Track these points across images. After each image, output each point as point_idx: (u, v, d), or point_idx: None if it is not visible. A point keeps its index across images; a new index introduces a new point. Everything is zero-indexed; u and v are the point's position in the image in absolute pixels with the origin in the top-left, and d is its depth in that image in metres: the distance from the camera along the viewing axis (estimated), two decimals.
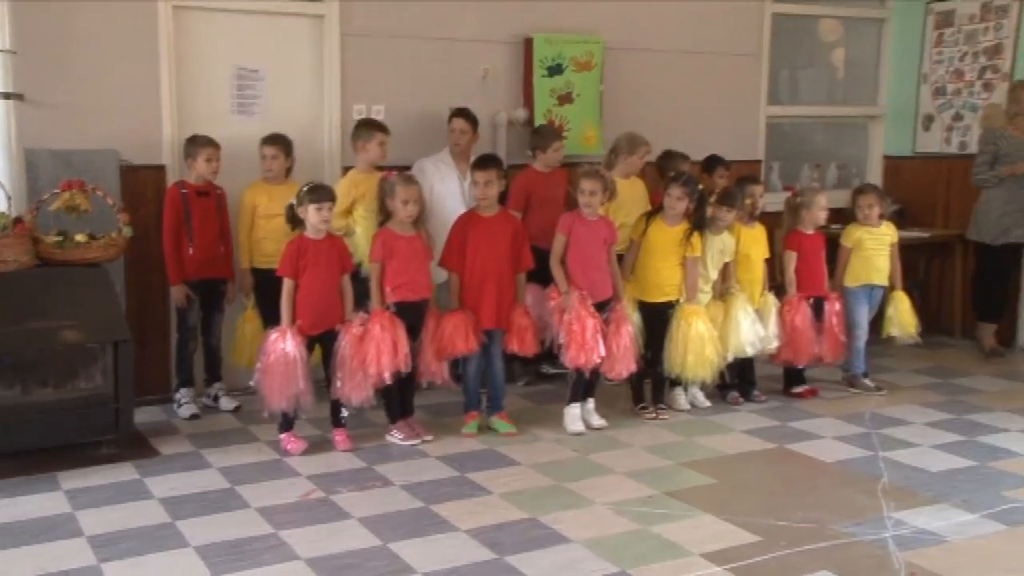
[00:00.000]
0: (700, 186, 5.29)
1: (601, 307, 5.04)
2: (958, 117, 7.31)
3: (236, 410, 5.40)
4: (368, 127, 5.48)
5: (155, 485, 4.32)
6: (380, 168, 5.31)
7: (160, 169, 5.46)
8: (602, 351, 4.92)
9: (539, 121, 6.24)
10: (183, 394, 5.34)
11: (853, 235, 5.90)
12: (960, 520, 3.96)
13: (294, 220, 4.76)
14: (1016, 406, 5.58)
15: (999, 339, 6.88)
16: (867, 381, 5.93)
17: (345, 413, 4.87)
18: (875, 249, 5.87)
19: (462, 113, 5.80)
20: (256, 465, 4.60)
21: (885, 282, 5.91)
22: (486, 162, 5.05)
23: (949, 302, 7.32)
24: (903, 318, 5.90)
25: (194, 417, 5.26)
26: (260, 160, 5.36)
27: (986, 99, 7.12)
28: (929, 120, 7.54)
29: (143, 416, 5.19)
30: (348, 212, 5.28)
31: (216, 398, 5.46)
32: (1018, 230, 6.61)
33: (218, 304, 5.39)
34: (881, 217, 5.92)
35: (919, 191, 7.54)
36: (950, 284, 7.35)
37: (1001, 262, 6.74)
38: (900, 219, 7.22)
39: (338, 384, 4.69)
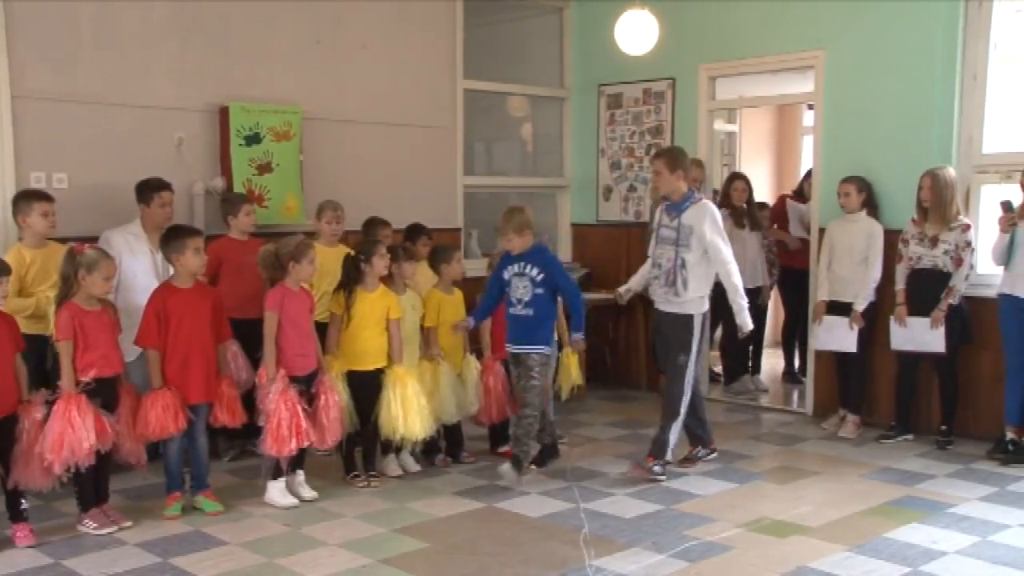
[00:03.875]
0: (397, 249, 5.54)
1: (309, 377, 5.03)
2: (632, 188, 8.03)
3: None
4: (26, 198, 5.12)
5: None
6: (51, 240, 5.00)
7: None
8: (304, 441, 4.87)
9: (238, 190, 6.14)
10: None
11: None
12: (650, 561, 4.28)
13: None
14: None
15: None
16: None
17: (25, 504, 4.46)
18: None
19: (168, 186, 5.58)
20: None
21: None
22: (198, 231, 4.97)
23: (635, 358, 7.94)
24: (568, 372, 6.11)
25: None
26: None
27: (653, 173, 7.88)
28: (608, 191, 8.22)
29: None
30: (23, 291, 4.93)
31: None
32: None
33: None
34: None
35: (603, 256, 8.16)
36: (635, 342, 7.98)
37: None
38: (588, 282, 7.79)
39: (16, 472, 4.30)
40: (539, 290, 5.35)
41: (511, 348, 5.48)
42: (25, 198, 5.12)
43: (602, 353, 7.95)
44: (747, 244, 7.50)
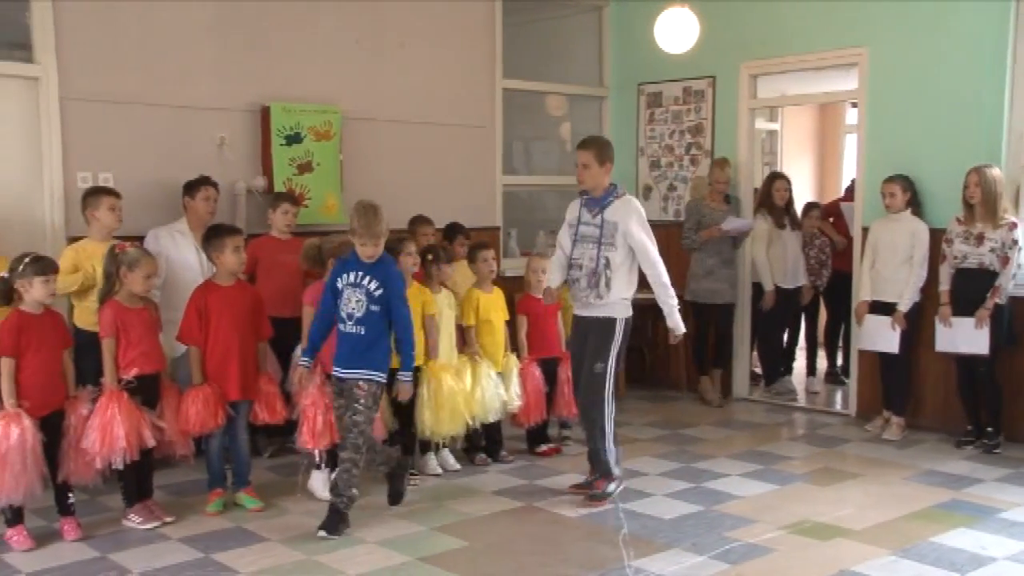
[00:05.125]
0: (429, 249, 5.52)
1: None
2: (672, 188, 7.98)
3: None
4: (95, 193, 5.23)
5: None
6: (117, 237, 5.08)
7: None
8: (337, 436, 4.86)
9: (278, 189, 6.19)
10: None
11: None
12: (690, 563, 4.25)
13: (8, 296, 4.41)
14: (735, 452, 6.08)
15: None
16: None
17: (72, 499, 4.53)
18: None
19: (214, 183, 5.66)
20: None
21: None
22: (238, 230, 5.01)
23: (674, 358, 7.88)
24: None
25: None
26: None
27: (693, 172, 7.84)
28: (648, 190, 8.18)
29: None
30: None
31: None
32: (724, 289, 7.29)
33: None
34: None
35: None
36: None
37: (716, 319, 7.40)
38: None
39: (64, 467, 4.37)
40: (375, 307, 4.55)
41: (337, 372, 4.61)
42: (94, 193, 5.23)
43: (641, 353, 7.90)
44: (787, 244, 7.43)
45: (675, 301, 5.08)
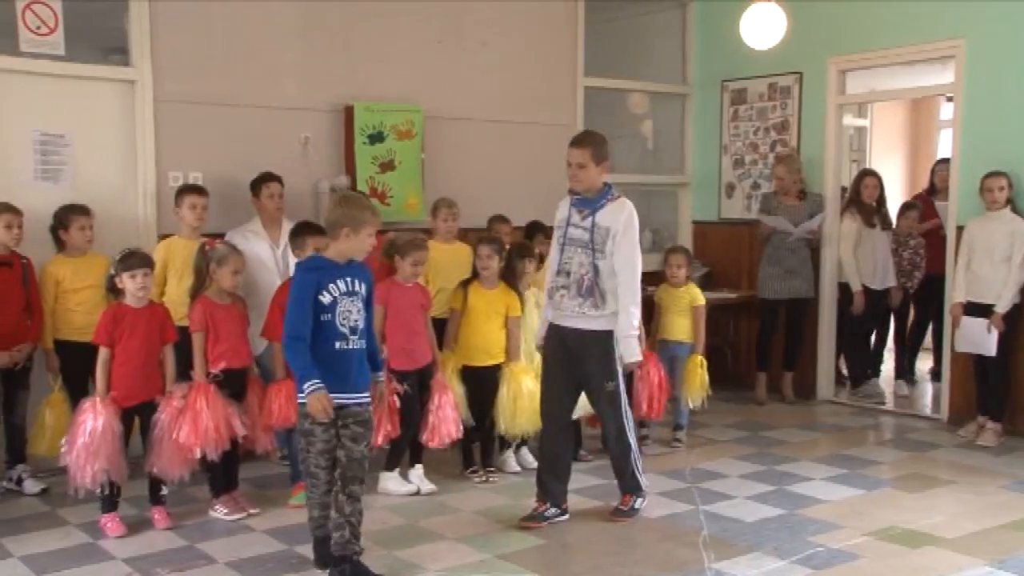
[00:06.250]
0: (506, 245, 5.48)
1: (422, 372, 5.08)
2: (756, 186, 7.84)
3: (43, 493, 5.06)
4: (180, 192, 5.39)
5: None
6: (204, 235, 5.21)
7: None
8: (393, 433, 4.87)
9: (361, 188, 6.27)
10: None
11: (659, 293, 6.20)
12: (772, 567, 4.16)
13: (115, 290, 4.61)
14: (817, 455, 5.94)
15: (796, 390, 7.40)
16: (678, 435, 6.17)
17: (164, 490, 4.66)
18: (670, 308, 6.15)
19: (276, 178, 5.73)
20: (64, 551, 4.31)
21: (682, 339, 6.12)
22: (320, 229, 5.03)
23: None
24: (694, 383, 6.06)
25: None
26: (68, 232, 5.13)
27: None
28: (731, 188, 8.05)
29: None
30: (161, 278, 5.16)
31: (19, 481, 5.10)
32: (792, 285, 7.18)
33: (23, 380, 5.07)
34: (689, 279, 6.23)
35: (725, 254, 8.00)
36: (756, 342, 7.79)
37: (786, 317, 7.32)
38: (708, 281, 7.64)
39: (153, 459, 4.50)
40: (366, 312, 4.00)
41: (342, 399, 3.87)
42: (180, 192, 5.39)
43: (723, 353, 7.79)
44: (877, 244, 7.25)
45: (636, 332, 4.58)
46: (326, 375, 3.80)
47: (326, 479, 3.94)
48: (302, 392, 3.82)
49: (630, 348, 4.55)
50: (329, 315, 3.84)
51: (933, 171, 7.82)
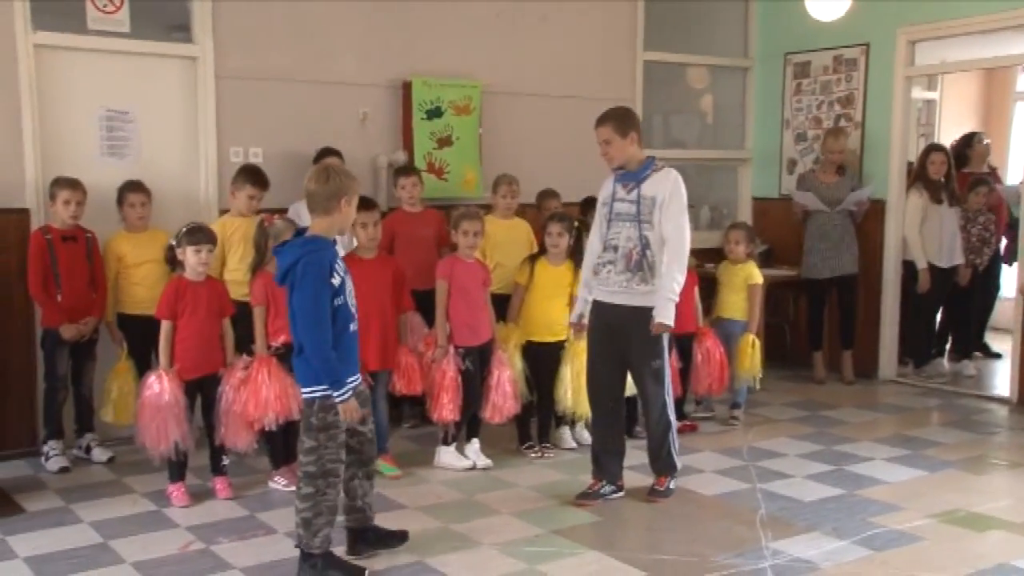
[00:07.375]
0: (575, 222, 5.43)
1: (483, 349, 5.09)
2: (818, 161, 7.68)
3: (110, 461, 5.20)
4: (241, 177, 5.40)
5: (19, 544, 4.10)
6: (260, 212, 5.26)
7: (23, 213, 5.26)
8: (456, 413, 4.96)
9: (418, 164, 6.28)
10: (52, 446, 5.11)
11: (719, 270, 6.13)
12: (831, 547, 4.11)
13: (173, 262, 4.69)
14: (878, 436, 5.84)
15: (857, 370, 7.28)
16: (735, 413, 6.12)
17: (226, 460, 4.76)
18: (727, 285, 6.09)
19: (336, 152, 5.76)
20: (131, 518, 4.43)
21: (736, 317, 6.07)
22: (371, 204, 5.04)
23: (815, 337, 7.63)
24: (745, 362, 6.00)
25: (63, 470, 5.03)
26: (123, 208, 5.23)
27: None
28: (793, 164, 7.90)
29: (6, 471, 4.96)
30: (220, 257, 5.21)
31: (88, 449, 5.24)
32: (837, 262, 7.07)
33: (90, 352, 5.20)
34: (749, 256, 6.15)
35: (786, 231, 7.85)
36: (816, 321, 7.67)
37: (837, 295, 7.22)
38: (769, 258, 7.53)
39: (220, 430, 4.59)
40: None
41: (355, 382, 3.76)
42: (239, 178, 5.39)
43: (782, 330, 7.68)
44: (944, 220, 7.07)
45: (675, 297, 4.46)
46: (345, 361, 3.69)
47: (341, 470, 3.80)
48: (335, 395, 3.65)
49: (665, 309, 4.43)
50: (341, 297, 3.69)
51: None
